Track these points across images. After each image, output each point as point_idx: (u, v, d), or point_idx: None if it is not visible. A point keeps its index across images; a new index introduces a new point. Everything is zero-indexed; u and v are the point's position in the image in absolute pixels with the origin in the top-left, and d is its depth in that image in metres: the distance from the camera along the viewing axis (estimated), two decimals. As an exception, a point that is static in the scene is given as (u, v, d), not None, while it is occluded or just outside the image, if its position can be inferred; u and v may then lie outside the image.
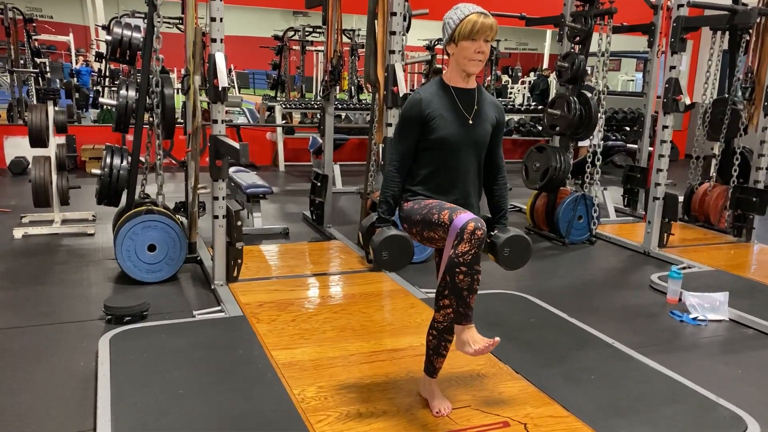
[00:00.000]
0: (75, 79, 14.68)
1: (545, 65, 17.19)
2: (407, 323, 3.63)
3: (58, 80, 14.53)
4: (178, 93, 10.77)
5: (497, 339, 2.30)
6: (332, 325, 3.54)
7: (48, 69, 13.05)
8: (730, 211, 5.98)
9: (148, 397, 2.70)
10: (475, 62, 2.35)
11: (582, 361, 3.26)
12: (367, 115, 10.35)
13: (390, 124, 4.32)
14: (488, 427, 2.59)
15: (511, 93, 16.96)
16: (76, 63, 16.52)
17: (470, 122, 2.43)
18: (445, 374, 2.91)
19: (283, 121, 9.72)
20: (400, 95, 4.19)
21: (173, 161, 8.71)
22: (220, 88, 3.79)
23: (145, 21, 4.37)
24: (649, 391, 2.96)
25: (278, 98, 13.15)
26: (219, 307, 3.79)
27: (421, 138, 2.43)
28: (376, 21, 4.48)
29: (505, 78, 18.77)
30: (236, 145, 3.53)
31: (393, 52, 4.25)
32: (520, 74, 19.54)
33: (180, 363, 3.03)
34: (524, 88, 16.48)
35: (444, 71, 2.51)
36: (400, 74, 4.20)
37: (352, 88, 13.24)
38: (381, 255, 2.40)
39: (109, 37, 4.33)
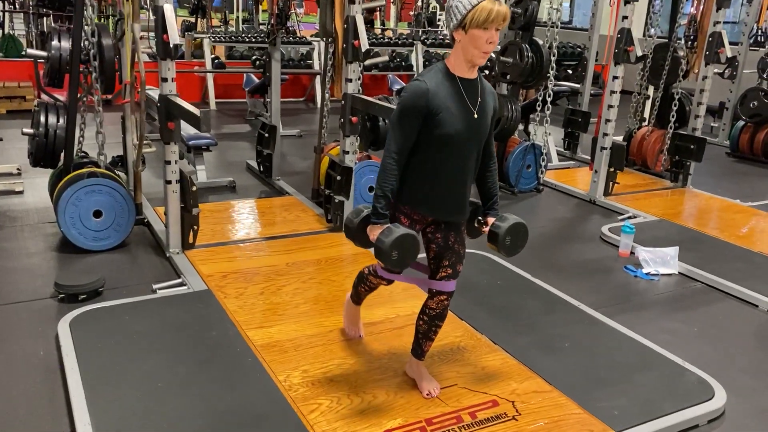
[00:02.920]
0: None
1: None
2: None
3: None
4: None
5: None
6: (304, 297, 3.46)
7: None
8: (667, 155, 6.18)
9: (125, 395, 2.56)
10: (485, 53, 2.23)
11: (553, 327, 3.34)
12: (301, 47, 9.93)
13: (350, 80, 4.12)
14: (479, 407, 2.62)
15: (440, 21, 16.62)
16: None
17: (475, 116, 2.32)
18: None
19: (212, 56, 9.16)
20: (362, 49, 3.98)
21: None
22: (171, 45, 3.48)
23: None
24: (621, 357, 3.07)
25: (198, 25, 12.37)
26: (179, 280, 3.61)
27: (423, 130, 2.28)
28: (333, -34, 4.19)
29: (432, 4, 18.33)
30: (196, 111, 3.27)
31: (353, 2, 4.00)
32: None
33: (152, 350, 2.88)
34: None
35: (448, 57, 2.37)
36: (361, 26, 3.98)
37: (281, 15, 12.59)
38: (391, 255, 2.26)
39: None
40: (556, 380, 2.84)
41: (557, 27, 5.47)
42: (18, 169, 5.43)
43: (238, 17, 14.82)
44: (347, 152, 4.22)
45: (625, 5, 5.11)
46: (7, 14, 11.76)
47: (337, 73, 4.28)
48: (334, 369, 2.82)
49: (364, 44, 3.96)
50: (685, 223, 5.10)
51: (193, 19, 12.89)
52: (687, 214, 5.44)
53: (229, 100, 9.18)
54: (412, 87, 2.28)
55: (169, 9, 3.48)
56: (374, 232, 2.33)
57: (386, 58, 8.52)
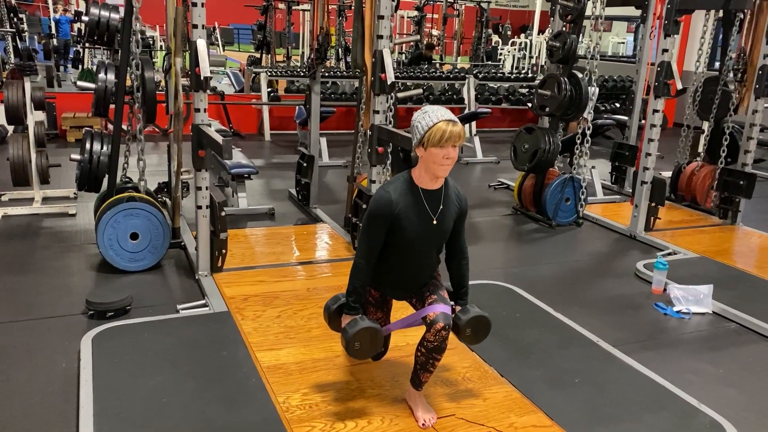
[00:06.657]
0: (54, 30, 14.27)
1: (536, 24, 16.88)
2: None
3: (36, 36, 14.13)
4: (161, 50, 10.45)
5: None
6: (318, 321, 3.51)
7: (25, 25, 12.64)
8: (716, 192, 5.98)
9: (130, 407, 2.68)
10: (444, 167, 2.44)
11: (566, 361, 3.27)
12: (355, 81, 10.17)
13: (377, 111, 4.22)
14: (472, 439, 2.60)
15: (501, 55, 16.68)
16: (54, 12, 15.85)
17: (434, 222, 2.54)
18: (432, 376, 2.90)
19: (269, 89, 9.50)
20: (388, 83, 4.08)
21: (156, 129, 8.59)
22: (202, 77, 3.67)
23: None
24: (632, 396, 2.98)
25: (263, 60, 12.85)
26: (203, 301, 3.74)
27: (389, 233, 2.53)
28: (363, 3, 4.33)
29: (495, 39, 18.46)
30: (219, 139, 3.43)
31: (381, 37, 4.11)
32: (509, 33, 19.20)
33: (163, 366, 3.00)
34: (514, 49, 16.20)
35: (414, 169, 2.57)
36: (388, 60, 4.08)
37: (339, 50, 12.96)
38: (354, 345, 2.53)
39: (86, 18, 4.15)
40: (558, 415, 2.78)
41: (596, 59, 5.44)
42: (75, 193, 5.78)
43: (303, 53, 15.34)
44: (374, 181, 4.30)
45: (665, 38, 5.03)
46: (87, 50, 12.63)
47: (366, 104, 4.39)
48: (334, 393, 2.86)
49: (390, 77, 4.06)
50: (728, 261, 4.89)
51: (258, 55, 13.45)
52: (731, 252, 5.22)
53: (284, 131, 9.46)
54: (377, 196, 2.53)
55: (201, 44, 3.68)
56: (344, 322, 2.62)
57: (420, 91, 8.75)
